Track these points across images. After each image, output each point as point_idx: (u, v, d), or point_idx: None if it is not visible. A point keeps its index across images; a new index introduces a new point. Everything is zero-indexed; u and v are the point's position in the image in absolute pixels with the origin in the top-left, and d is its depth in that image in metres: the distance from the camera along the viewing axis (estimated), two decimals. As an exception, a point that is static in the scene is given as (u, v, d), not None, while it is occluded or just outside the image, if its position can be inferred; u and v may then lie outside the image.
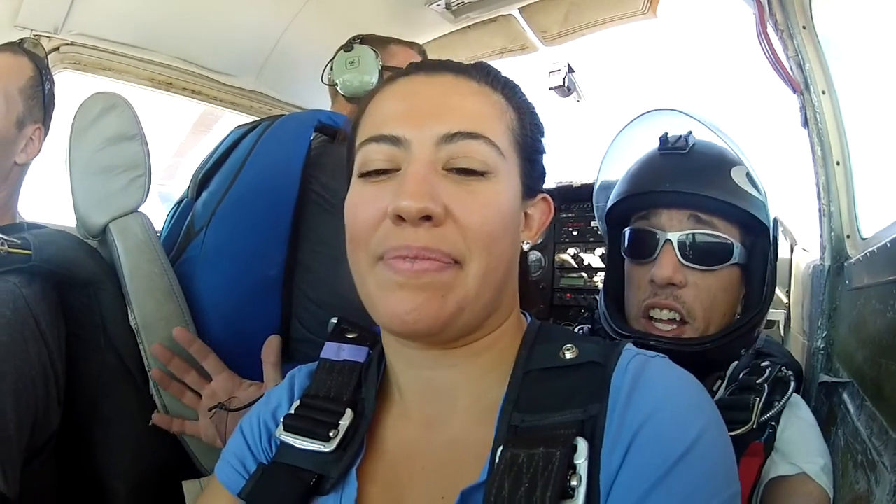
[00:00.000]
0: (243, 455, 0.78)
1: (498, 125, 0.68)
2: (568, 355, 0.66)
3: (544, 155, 0.76)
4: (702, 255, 1.05)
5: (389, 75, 0.75)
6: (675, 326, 1.05)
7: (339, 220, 1.22)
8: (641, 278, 1.09)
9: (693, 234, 1.05)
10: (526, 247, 0.75)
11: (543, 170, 0.77)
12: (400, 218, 0.61)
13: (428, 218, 0.61)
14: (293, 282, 1.22)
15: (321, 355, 0.81)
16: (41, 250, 1.09)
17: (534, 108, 0.76)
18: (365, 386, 0.76)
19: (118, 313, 1.18)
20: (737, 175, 1.07)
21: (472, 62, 0.74)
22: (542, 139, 0.76)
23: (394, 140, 0.65)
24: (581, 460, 0.56)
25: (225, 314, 1.21)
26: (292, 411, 0.75)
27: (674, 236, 1.05)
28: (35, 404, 1.02)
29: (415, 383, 0.72)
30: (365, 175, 0.67)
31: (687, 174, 1.07)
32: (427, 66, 0.73)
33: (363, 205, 0.66)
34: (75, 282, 1.16)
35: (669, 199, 1.08)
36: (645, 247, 1.08)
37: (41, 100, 1.32)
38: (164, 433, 1.18)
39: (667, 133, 1.14)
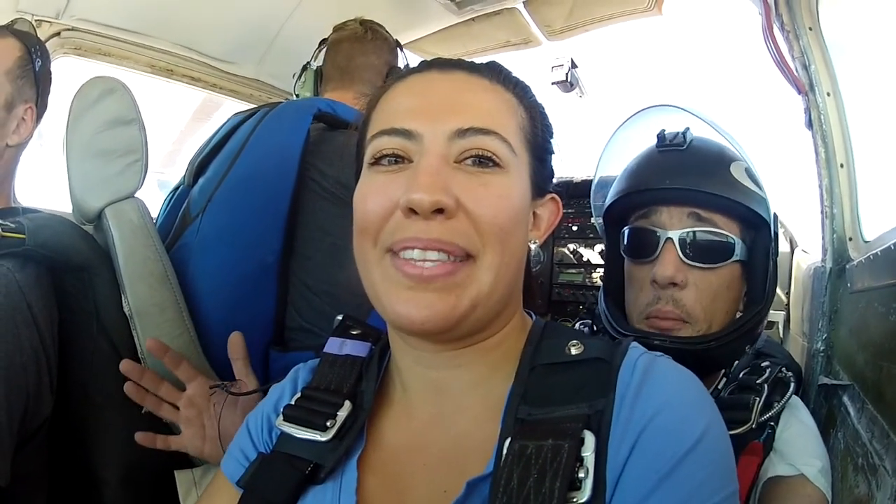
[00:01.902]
0: (246, 448, 0.79)
1: (510, 123, 0.68)
2: (574, 351, 0.66)
3: (553, 155, 0.77)
4: (703, 253, 1.03)
5: (401, 72, 0.75)
6: (677, 324, 1.04)
7: (337, 207, 1.22)
8: (643, 278, 1.08)
9: (694, 232, 1.04)
10: (533, 247, 0.75)
11: (552, 170, 0.77)
12: (412, 211, 0.61)
13: (440, 211, 0.61)
14: (290, 269, 1.21)
15: (324, 350, 0.81)
16: (35, 234, 1.07)
17: (544, 108, 0.76)
18: (365, 379, 0.76)
19: (112, 299, 1.17)
20: (736, 170, 1.06)
21: (475, 55, 0.73)
22: (552, 140, 0.76)
23: (406, 133, 0.65)
24: (588, 453, 0.57)
25: (220, 301, 1.20)
26: (293, 402, 0.76)
27: (674, 235, 1.04)
28: (26, 391, 1.01)
29: (420, 382, 0.72)
30: (376, 161, 0.67)
31: (686, 170, 1.05)
32: (440, 64, 0.73)
33: (374, 195, 0.65)
34: (69, 267, 1.14)
35: (669, 196, 1.06)
36: (645, 246, 1.07)
37: (32, 78, 1.30)
38: (157, 422, 1.17)
39: (664, 130, 1.12)
